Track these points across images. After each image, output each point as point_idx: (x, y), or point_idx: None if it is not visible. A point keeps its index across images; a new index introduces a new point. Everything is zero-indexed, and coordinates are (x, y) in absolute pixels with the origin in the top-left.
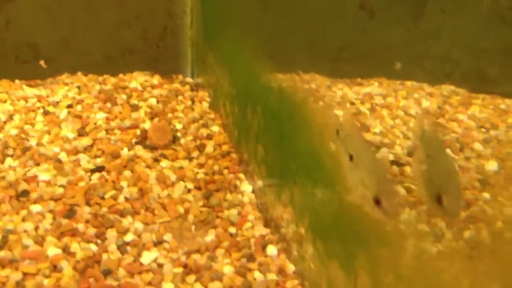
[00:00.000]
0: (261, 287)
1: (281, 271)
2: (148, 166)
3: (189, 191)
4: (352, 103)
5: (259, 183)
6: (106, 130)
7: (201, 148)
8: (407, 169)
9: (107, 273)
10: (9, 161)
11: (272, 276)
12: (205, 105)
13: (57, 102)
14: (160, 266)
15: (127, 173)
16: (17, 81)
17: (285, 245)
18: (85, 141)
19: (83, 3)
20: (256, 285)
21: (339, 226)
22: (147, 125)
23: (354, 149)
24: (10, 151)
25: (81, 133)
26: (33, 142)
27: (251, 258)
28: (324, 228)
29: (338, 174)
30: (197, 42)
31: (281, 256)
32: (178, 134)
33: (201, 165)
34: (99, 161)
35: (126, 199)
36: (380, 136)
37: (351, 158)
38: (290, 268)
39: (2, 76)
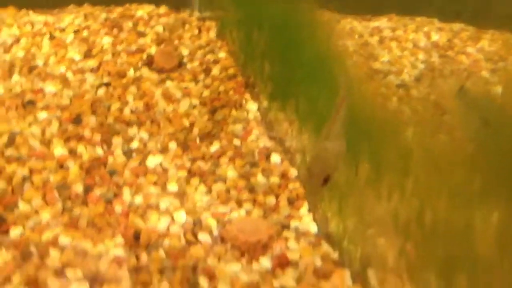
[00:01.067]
0: (264, 188)
1: (283, 176)
2: (154, 85)
3: (194, 107)
4: (361, 36)
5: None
6: (113, 53)
7: (207, 71)
8: (414, 91)
9: (113, 173)
10: (15, 77)
11: (275, 179)
12: (212, 34)
13: (64, 28)
14: (165, 170)
15: (132, 89)
16: (24, 9)
17: (289, 155)
18: (92, 62)
19: None
20: (259, 186)
21: None
22: (153, 50)
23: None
24: (16, 69)
25: (87, 55)
26: (39, 62)
27: (254, 165)
28: None
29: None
30: None
31: (284, 163)
32: (184, 59)
33: (207, 86)
34: (105, 80)
35: (132, 112)
36: (388, 65)
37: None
38: (293, 173)
39: (9, 3)
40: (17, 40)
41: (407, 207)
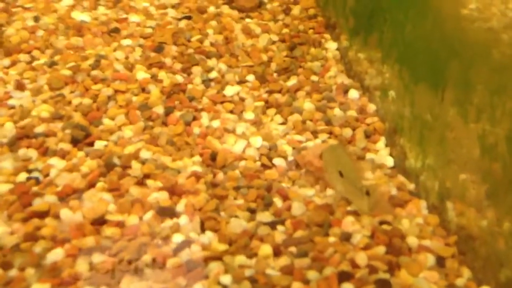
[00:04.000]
0: (340, 121)
1: (361, 110)
2: (234, 20)
3: (273, 42)
4: None
5: (345, 42)
6: None
7: (287, 11)
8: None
9: (192, 99)
10: (101, 9)
11: (352, 113)
12: None
13: None
14: (242, 99)
15: (213, 23)
16: None
17: (367, 93)
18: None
19: None
20: (336, 119)
21: (429, 46)
22: None
23: None
24: (102, 2)
25: None
26: None
27: (331, 99)
28: (413, 55)
29: None
30: None
31: (362, 99)
32: (265, 0)
33: (286, 25)
34: (186, 13)
35: (212, 44)
36: (477, 12)
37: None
38: (371, 107)
39: None
40: None
41: (498, 127)
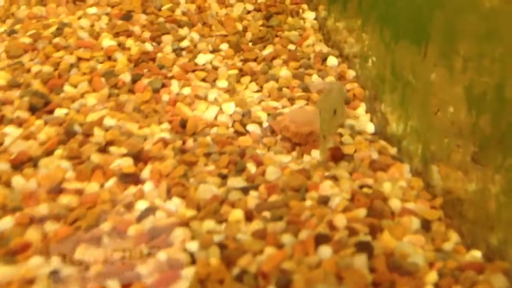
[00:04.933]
0: (318, 87)
1: (340, 77)
2: None
3: (248, 12)
4: None
5: (324, 12)
6: None
7: None
8: None
9: (161, 67)
10: None
11: (331, 80)
12: None
13: None
14: (215, 68)
15: None
16: None
17: (346, 61)
18: None
19: None
20: (314, 86)
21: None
22: None
23: None
24: None
25: None
26: None
27: (309, 67)
28: (394, 12)
29: None
30: None
31: (341, 65)
32: None
33: None
34: None
35: (183, 13)
36: None
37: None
38: (351, 74)
39: None
40: None
41: (486, 76)
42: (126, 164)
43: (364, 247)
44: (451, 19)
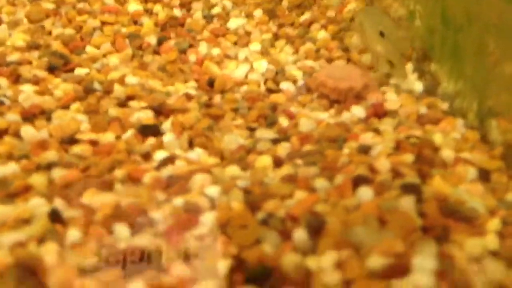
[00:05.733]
0: (359, 48)
1: None
2: None
3: None
4: None
5: None
6: None
7: None
8: None
9: (190, 31)
10: None
11: None
12: None
13: None
14: (248, 33)
15: None
16: None
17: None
18: None
19: None
20: (354, 46)
21: None
22: None
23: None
24: None
25: None
26: None
27: (350, 29)
28: None
29: None
30: None
31: None
32: None
33: None
34: None
35: None
36: None
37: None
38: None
39: None
40: None
41: None
42: (146, 116)
43: (411, 190)
44: None
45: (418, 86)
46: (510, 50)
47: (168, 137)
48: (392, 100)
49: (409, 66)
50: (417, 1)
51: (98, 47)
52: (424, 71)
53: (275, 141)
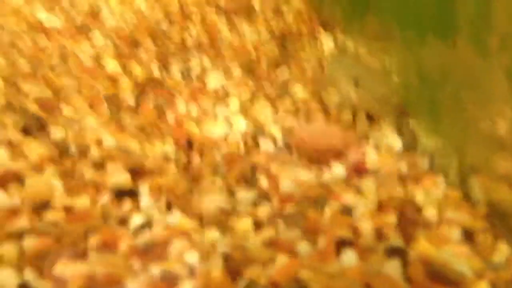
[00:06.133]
0: (339, 104)
1: None
2: (219, 19)
3: (263, 38)
4: None
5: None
6: (180, 3)
7: (278, 13)
8: None
9: (169, 90)
10: (77, 18)
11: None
12: None
13: None
14: (227, 92)
15: (194, 17)
16: None
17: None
18: (157, 10)
19: None
20: (334, 103)
21: None
22: (223, 1)
23: None
24: (78, 13)
25: (153, 5)
26: (103, 10)
27: (328, 86)
28: (417, 11)
29: None
30: None
31: None
32: (256, 8)
33: (277, 23)
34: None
35: (194, 40)
36: None
37: None
38: None
39: None
40: None
41: None
42: (123, 179)
43: (396, 253)
44: None
45: (398, 143)
46: (487, 106)
47: (145, 200)
48: (372, 158)
49: (388, 121)
50: (391, 56)
51: (75, 108)
52: (403, 126)
53: (256, 203)
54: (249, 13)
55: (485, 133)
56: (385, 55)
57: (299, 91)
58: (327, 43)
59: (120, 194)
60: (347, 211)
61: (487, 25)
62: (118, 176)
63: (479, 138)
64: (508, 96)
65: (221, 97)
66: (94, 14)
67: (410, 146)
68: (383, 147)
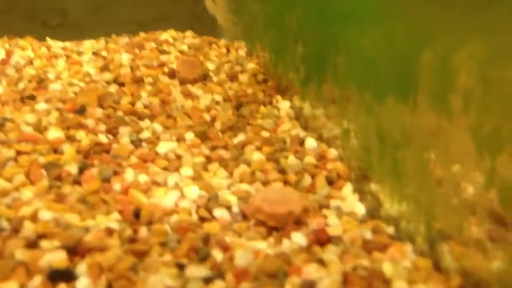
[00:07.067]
0: (296, 168)
1: (321, 157)
2: (173, 86)
3: (217, 102)
4: None
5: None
6: (131, 67)
7: (234, 79)
8: None
9: (116, 157)
10: (21, 85)
11: (310, 160)
12: (241, 53)
13: (82, 51)
14: (179, 156)
15: (148, 87)
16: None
17: (327, 141)
18: (107, 75)
19: None
20: (291, 167)
21: (391, 50)
22: (176, 66)
23: None
24: (24, 81)
25: (103, 69)
26: (51, 76)
27: (285, 149)
28: (374, 69)
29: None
30: None
31: (321, 146)
32: (211, 73)
33: (233, 88)
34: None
35: (145, 106)
36: None
37: None
38: (332, 153)
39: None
40: (30, 62)
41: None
42: (58, 258)
43: None
44: (444, 53)
45: (360, 208)
46: (453, 168)
47: (82, 283)
48: (334, 224)
49: (348, 187)
50: (350, 119)
51: (9, 179)
52: (365, 191)
53: (208, 280)
54: (204, 83)
55: (453, 196)
56: (343, 118)
57: (255, 154)
58: (283, 106)
59: (54, 275)
60: (309, 286)
61: (449, 83)
62: (53, 255)
63: (447, 202)
64: (475, 157)
65: (172, 162)
66: (40, 79)
67: (374, 211)
68: (345, 213)
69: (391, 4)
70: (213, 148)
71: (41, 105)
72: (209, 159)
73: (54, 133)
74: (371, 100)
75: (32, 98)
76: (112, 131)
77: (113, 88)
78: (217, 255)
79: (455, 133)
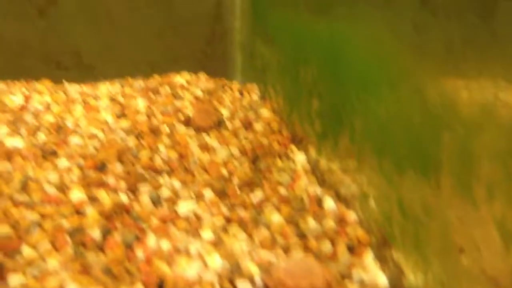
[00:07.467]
0: (316, 233)
1: (340, 220)
2: (189, 136)
3: (233, 156)
4: None
5: (314, 153)
6: (147, 115)
7: (248, 127)
8: None
9: (137, 219)
10: (41, 135)
11: (329, 224)
12: (255, 97)
13: (98, 96)
14: (198, 217)
15: (165, 139)
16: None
17: (344, 202)
18: (124, 123)
19: (128, 7)
20: (311, 231)
21: (411, 125)
22: (191, 112)
23: None
24: (43, 129)
25: (120, 116)
26: (69, 123)
27: (303, 210)
28: (393, 141)
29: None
30: (245, 41)
31: (339, 207)
32: (224, 119)
33: (248, 139)
34: (136, 133)
35: (163, 160)
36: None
37: None
38: (351, 216)
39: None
40: (47, 107)
41: None
42: None
43: None
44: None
45: (382, 278)
46: (478, 252)
47: None
48: None
49: (369, 254)
50: (370, 182)
51: (35, 246)
52: (386, 258)
53: None
54: (219, 130)
55: (477, 273)
56: (361, 178)
57: (275, 216)
58: (299, 159)
59: None
60: None
61: (471, 171)
62: None
63: (468, 274)
64: (500, 246)
65: (193, 224)
66: (58, 127)
67: (396, 282)
68: (368, 284)
69: (408, 76)
70: (232, 207)
71: (62, 162)
72: (228, 220)
73: (77, 194)
74: (391, 170)
75: (54, 153)
76: (132, 189)
77: (131, 140)
78: None
79: (480, 221)
